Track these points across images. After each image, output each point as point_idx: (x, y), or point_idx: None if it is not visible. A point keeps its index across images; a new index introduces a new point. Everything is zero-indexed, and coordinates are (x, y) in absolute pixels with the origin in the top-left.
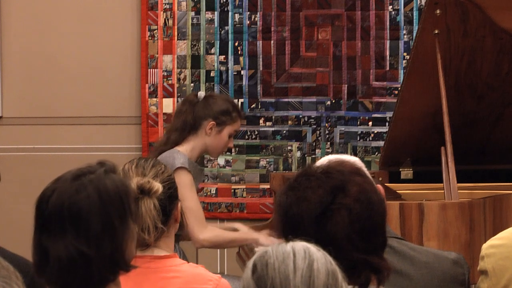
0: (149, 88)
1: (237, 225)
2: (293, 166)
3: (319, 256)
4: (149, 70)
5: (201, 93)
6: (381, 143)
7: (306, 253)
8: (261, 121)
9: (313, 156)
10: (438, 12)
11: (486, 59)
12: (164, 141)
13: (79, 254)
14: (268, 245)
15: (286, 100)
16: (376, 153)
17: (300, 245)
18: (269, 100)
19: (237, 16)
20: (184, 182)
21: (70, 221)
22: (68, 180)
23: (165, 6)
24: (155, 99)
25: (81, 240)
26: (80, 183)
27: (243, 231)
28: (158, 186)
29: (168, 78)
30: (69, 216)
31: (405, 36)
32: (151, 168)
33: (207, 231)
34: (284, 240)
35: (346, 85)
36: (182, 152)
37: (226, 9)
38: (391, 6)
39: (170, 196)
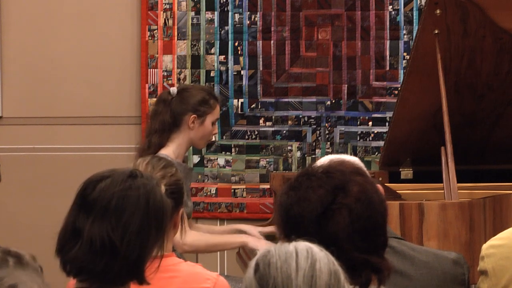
0: (149, 88)
1: (242, 226)
2: (293, 166)
3: (322, 256)
4: (149, 70)
5: (173, 89)
6: (381, 143)
7: (308, 253)
8: (261, 121)
9: (313, 156)
10: (438, 12)
11: (486, 59)
12: (147, 146)
13: (111, 243)
14: (258, 248)
15: (286, 100)
16: (376, 153)
17: (303, 245)
18: (269, 100)
19: (237, 16)
20: None
21: (113, 211)
22: (125, 175)
23: (165, 6)
24: (155, 99)
25: (116, 232)
26: (134, 182)
27: (251, 232)
28: None
29: (168, 78)
30: (114, 206)
31: (405, 36)
32: (161, 169)
33: (188, 235)
34: (286, 240)
35: (346, 85)
36: (168, 155)
37: (226, 9)
38: (391, 6)
39: (173, 201)
